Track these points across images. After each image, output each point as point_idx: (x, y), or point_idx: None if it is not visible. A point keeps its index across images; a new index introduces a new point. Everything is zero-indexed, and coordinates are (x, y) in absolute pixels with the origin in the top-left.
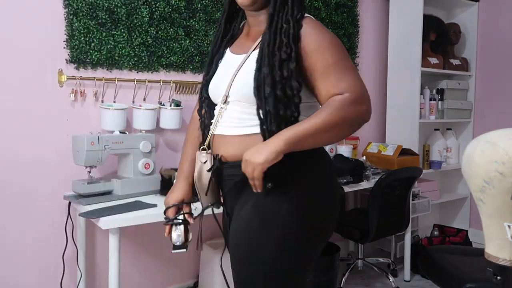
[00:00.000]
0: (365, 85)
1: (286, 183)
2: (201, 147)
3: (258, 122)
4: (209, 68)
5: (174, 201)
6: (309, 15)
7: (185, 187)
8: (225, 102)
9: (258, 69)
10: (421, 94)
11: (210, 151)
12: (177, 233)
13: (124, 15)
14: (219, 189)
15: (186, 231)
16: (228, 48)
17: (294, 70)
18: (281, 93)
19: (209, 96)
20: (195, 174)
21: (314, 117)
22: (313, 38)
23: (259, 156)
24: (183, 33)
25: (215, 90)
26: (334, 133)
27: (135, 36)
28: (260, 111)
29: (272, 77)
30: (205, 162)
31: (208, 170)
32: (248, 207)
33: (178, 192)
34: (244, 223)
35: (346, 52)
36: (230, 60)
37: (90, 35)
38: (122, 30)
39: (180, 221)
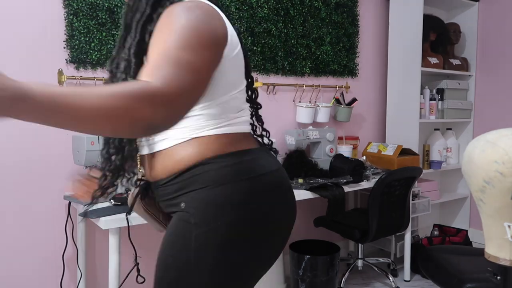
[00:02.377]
0: (189, 92)
1: (198, 200)
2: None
3: (164, 136)
4: None
5: None
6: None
7: None
8: None
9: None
10: (421, 94)
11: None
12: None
13: None
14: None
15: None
16: None
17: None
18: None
19: None
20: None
21: (82, 90)
22: (163, 18)
23: None
24: None
25: None
26: (93, 124)
27: None
28: None
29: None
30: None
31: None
32: (164, 237)
33: None
34: (159, 257)
35: (198, 46)
36: None
37: (90, 35)
38: None
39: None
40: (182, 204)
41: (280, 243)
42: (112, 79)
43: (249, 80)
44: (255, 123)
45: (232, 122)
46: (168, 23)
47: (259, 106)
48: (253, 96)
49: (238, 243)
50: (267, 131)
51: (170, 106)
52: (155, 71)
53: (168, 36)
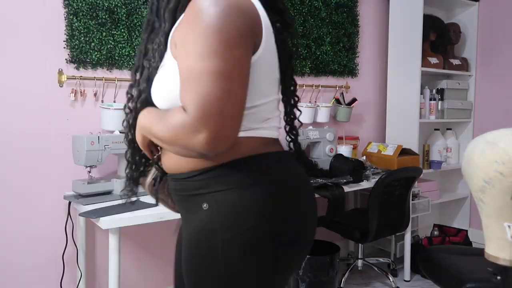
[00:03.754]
0: (223, 102)
1: (223, 202)
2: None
3: None
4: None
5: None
6: None
7: None
8: None
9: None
10: (421, 94)
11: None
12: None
13: (124, 15)
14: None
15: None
16: None
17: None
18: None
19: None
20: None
21: (157, 121)
22: (188, 10)
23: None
24: None
25: None
26: (169, 148)
27: (135, 36)
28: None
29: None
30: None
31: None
32: (186, 237)
33: None
34: (184, 261)
35: (222, 49)
36: None
37: (90, 35)
38: (122, 30)
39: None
40: (205, 205)
41: (304, 245)
42: (149, 69)
43: (291, 87)
44: (287, 136)
45: (257, 127)
46: (191, 22)
47: (294, 117)
48: (290, 104)
49: (264, 248)
50: (296, 136)
51: (206, 129)
52: (186, 94)
53: (190, 45)
